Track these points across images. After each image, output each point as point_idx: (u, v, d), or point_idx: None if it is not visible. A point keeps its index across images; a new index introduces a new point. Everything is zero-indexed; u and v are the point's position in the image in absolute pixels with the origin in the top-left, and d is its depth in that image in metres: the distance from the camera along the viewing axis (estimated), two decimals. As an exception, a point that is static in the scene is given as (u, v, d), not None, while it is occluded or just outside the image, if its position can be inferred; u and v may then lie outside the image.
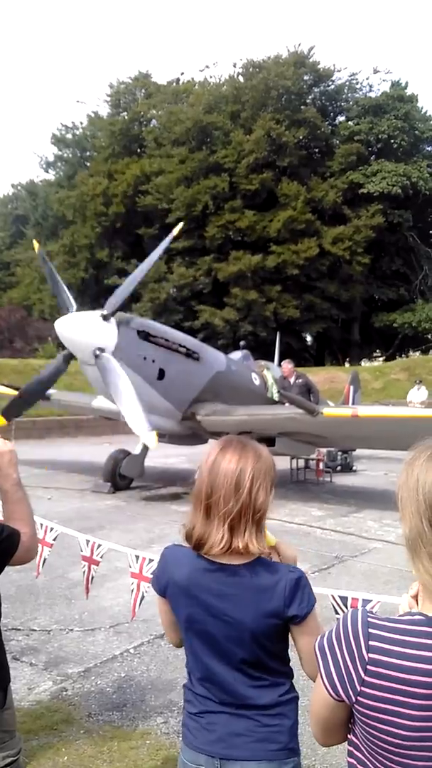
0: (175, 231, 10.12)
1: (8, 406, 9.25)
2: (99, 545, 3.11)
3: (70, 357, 8.92)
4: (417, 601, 1.11)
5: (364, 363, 38.21)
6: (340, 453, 13.21)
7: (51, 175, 43.58)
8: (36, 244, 11.21)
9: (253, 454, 1.57)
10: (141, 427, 7.98)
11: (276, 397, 11.49)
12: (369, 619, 1.06)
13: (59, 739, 3.12)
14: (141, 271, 9.76)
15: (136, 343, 8.94)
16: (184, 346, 9.78)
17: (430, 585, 1.03)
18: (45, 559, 3.58)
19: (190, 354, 9.83)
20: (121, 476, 10.12)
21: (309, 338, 40.61)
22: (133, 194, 35.05)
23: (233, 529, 1.52)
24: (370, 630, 1.04)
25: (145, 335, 9.12)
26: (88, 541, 3.16)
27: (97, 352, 8.28)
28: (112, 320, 8.55)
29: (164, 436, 10.68)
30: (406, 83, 38.05)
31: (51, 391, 12.36)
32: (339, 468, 13.04)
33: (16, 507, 1.88)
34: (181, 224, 10.90)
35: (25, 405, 9.46)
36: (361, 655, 1.04)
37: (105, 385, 8.39)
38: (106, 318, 8.49)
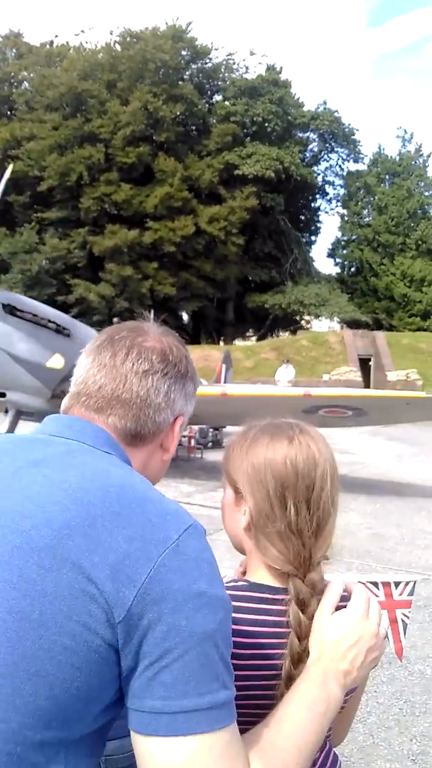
0: (7, 174, 9.61)
1: None
2: None
3: None
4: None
5: (238, 342, 39.28)
6: (211, 430, 13.56)
7: None
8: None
9: None
10: None
11: (149, 374, 11.49)
12: None
13: None
14: None
15: (0, 317, 8.52)
16: (53, 322, 9.43)
17: (278, 562, 1.03)
18: None
19: (60, 330, 9.52)
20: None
21: (185, 317, 40.96)
22: (2, 159, 33.08)
23: None
24: None
25: (10, 309, 8.70)
26: None
27: None
28: None
29: (33, 415, 10.35)
30: (281, 68, 39.07)
31: None
32: (210, 444, 13.38)
33: None
34: (11, 166, 10.12)
35: None
36: None
37: None
38: None
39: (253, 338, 41.74)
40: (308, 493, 1.03)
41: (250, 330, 43.62)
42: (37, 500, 0.73)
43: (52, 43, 38.41)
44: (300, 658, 0.96)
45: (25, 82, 37.06)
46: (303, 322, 40.84)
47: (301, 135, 40.10)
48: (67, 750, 0.68)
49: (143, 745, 0.69)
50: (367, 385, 24.53)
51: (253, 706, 0.95)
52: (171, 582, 0.70)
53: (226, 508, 1.12)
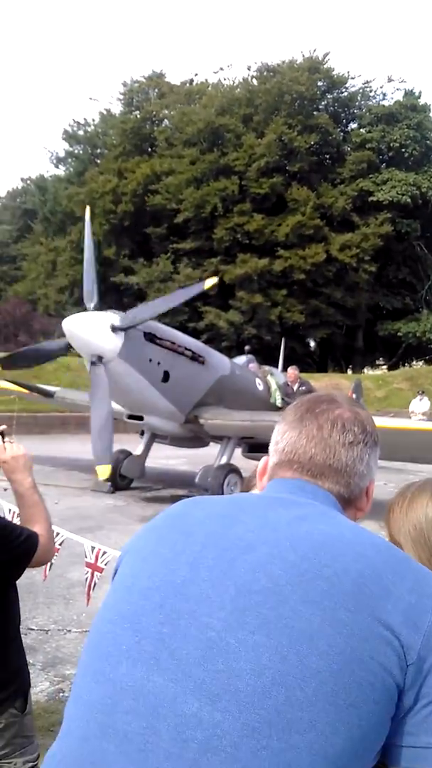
0: (208, 284, 9.77)
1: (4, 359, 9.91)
2: (104, 552, 3.10)
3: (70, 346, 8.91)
4: None
5: (367, 371, 38.23)
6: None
7: (61, 171, 43.58)
8: (88, 210, 9.61)
9: None
10: (100, 454, 7.77)
11: (279, 403, 11.49)
12: None
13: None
14: (169, 300, 9.81)
15: (142, 344, 8.90)
16: (189, 349, 9.76)
17: None
18: (51, 563, 3.58)
19: (195, 357, 9.82)
20: (121, 476, 10.13)
21: (313, 344, 40.59)
22: (143, 193, 35.04)
23: None
24: None
25: (151, 337, 9.10)
26: (93, 548, 3.15)
27: (94, 360, 8.18)
28: (122, 333, 8.40)
29: (166, 438, 10.71)
30: (420, 93, 38.06)
31: (55, 389, 12.39)
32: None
33: (33, 510, 1.95)
34: (215, 280, 10.38)
35: (17, 363, 9.91)
36: None
37: (90, 394, 8.29)
38: (115, 330, 8.33)
39: (384, 367, 40.43)
40: None
41: (381, 359, 42.32)
42: (328, 551, 0.83)
43: (192, 81, 40.18)
44: None
45: (165, 119, 39.03)
46: (439, 351, 38.96)
47: (439, 159, 38.71)
48: None
49: None
50: None
51: None
52: None
53: None
